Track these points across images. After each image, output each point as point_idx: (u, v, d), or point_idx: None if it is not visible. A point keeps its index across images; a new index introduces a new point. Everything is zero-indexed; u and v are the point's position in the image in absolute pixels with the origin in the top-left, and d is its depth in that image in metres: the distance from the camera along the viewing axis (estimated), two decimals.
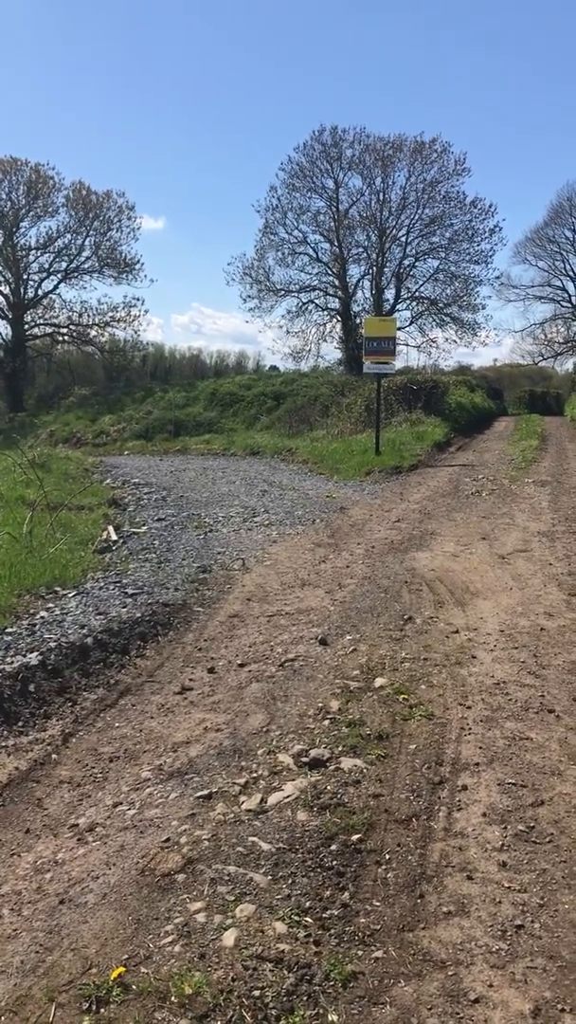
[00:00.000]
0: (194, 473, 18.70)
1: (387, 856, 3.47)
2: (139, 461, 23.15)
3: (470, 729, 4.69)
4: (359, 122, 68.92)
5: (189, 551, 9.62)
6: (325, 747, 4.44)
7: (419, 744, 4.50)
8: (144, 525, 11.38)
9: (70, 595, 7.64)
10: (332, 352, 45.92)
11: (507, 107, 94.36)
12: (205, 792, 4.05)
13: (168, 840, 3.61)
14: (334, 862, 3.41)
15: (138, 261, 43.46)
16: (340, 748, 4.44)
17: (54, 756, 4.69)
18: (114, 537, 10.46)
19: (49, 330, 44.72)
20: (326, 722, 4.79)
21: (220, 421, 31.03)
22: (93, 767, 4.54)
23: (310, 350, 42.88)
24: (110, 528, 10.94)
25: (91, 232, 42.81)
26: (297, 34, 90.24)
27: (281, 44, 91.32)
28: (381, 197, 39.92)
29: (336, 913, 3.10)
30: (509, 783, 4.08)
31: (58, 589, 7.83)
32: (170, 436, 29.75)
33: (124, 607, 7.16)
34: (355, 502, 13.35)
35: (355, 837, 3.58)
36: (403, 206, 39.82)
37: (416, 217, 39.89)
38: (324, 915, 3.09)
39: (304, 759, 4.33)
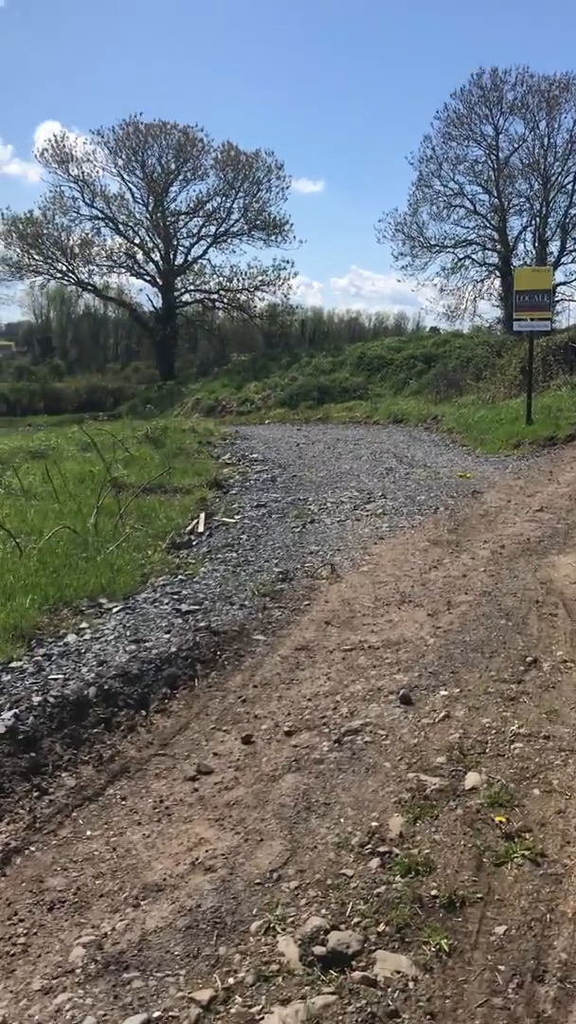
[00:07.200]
0: (323, 446, 17.07)
1: None
2: (274, 431, 21.80)
3: None
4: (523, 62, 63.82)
5: (276, 549, 8.04)
6: (357, 926, 2.78)
7: (512, 925, 2.76)
8: (239, 513, 9.89)
9: (115, 610, 6.26)
10: (491, 311, 42.86)
11: None
12: (140, 1019, 2.48)
13: None
14: None
15: (287, 222, 41.93)
16: (381, 928, 2.77)
17: None
18: (201, 528, 9.04)
19: (199, 296, 44.11)
20: (373, 864, 3.12)
21: (366, 387, 29.27)
22: (19, 923, 3.06)
23: (466, 309, 40.36)
24: (201, 516, 9.53)
25: (240, 194, 41.65)
26: None
27: None
28: (546, 142, 37.03)
29: None
30: None
31: (103, 601, 6.47)
32: (315, 403, 28.35)
33: (167, 632, 5.70)
34: (492, 483, 11.29)
35: None
36: (570, 151, 36.62)
37: None
38: None
39: (317, 948, 2.69)
